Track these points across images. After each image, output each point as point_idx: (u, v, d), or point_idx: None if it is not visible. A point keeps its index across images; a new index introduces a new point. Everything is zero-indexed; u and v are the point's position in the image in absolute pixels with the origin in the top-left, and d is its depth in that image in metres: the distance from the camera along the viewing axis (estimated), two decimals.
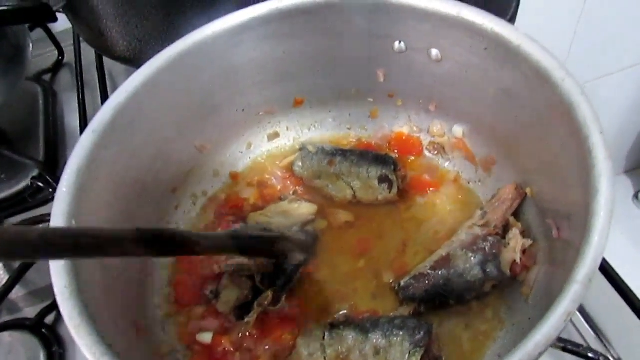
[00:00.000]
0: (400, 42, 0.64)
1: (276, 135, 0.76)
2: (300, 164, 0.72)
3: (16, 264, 0.76)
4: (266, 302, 0.60)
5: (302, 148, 0.73)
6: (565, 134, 0.49)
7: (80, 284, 0.47)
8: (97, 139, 0.55)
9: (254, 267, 0.62)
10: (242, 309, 0.61)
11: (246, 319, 0.60)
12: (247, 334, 0.60)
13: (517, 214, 0.63)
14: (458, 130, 0.70)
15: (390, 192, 0.68)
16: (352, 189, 0.69)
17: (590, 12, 1.52)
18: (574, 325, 0.67)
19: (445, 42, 0.60)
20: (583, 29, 1.57)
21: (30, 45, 0.91)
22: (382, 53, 0.66)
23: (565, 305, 0.38)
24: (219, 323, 0.61)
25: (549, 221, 0.56)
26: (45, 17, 0.76)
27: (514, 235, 0.61)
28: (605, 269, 0.64)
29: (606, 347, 0.65)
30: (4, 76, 0.85)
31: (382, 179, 0.68)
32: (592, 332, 0.66)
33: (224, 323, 0.61)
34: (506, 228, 0.63)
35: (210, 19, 0.63)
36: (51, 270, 0.46)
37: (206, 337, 0.59)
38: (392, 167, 0.69)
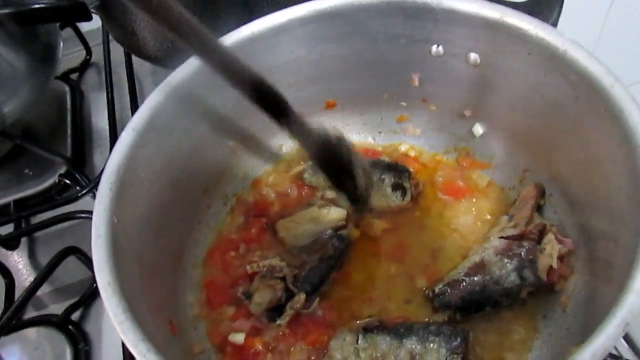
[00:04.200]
0: (438, 45, 0.64)
1: None
2: (311, 171, 0.72)
3: (44, 262, 0.76)
4: (298, 305, 0.60)
5: None
6: (612, 142, 0.49)
7: (120, 281, 0.47)
8: (136, 138, 0.56)
9: (286, 268, 0.62)
10: (274, 311, 0.60)
11: (278, 322, 0.60)
12: (280, 335, 0.59)
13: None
14: (493, 136, 0.69)
15: (403, 199, 0.68)
16: None
17: (613, 24, 1.52)
18: None
19: (485, 46, 0.60)
20: (606, 39, 1.56)
21: (61, 44, 0.92)
22: (419, 57, 0.66)
23: (622, 315, 0.37)
24: (250, 324, 0.61)
25: (590, 230, 0.55)
26: (81, 16, 0.76)
27: (549, 240, 0.60)
28: None
29: None
30: (35, 75, 0.85)
31: (396, 187, 0.69)
32: (625, 344, 0.65)
33: (256, 324, 0.61)
34: (542, 233, 0.62)
35: (242, 22, 0.63)
36: (94, 266, 0.46)
37: (239, 338, 0.59)
38: (407, 174, 0.69)
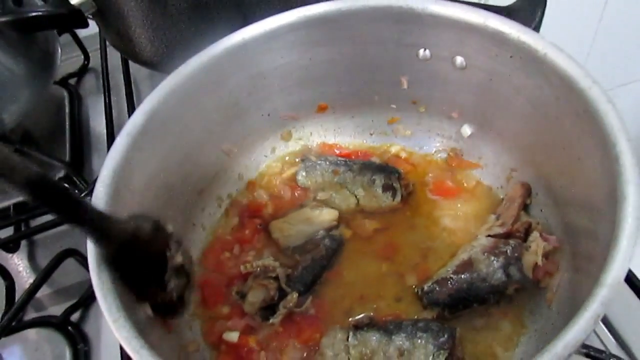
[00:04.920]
0: (425, 49, 0.65)
1: (299, 139, 0.78)
2: (304, 173, 0.73)
3: (43, 264, 0.78)
4: (291, 304, 0.61)
5: (304, 159, 0.74)
6: (591, 142, 0.50)
7: (116, 280, 0.48)
8: (130, 142, 0.57)
9: (279, 268, 0.63)
10: (267, 310, 0.62)
11: (271, 320, 0.61)
12: (273, 333, 0.61)
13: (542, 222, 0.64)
14: (480, 137, 0.70)
15: (393, 200, 0.70)
16: (356, 197, 0.71)
17: (608, 24, 1.53)
18: (595, 332, 0.67)
19: (470, 50, 0.61)
20: (600, 40, 1.57)
21: (59, 50, 0.93)
22: (407, 60, 0.67)
23: (594, 308, 0.39)
24: (244, 323, 0.62)
25: (573, 227, 0.56)
26: (77, 22, 0.78)
27: (535, 238, 0.62)
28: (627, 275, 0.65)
29: (628, 354, 0.65)
30: (34, 80, 0.87)
31: (386, 188, 0.70)
32: (612, 339, 0.67)
33: (250, 323, 0.62)
34: (527, 231, 0.64)
35: (235, 27, 0.65)
36: (89, 266, 0.48)
37: (233, 336, 0.61)
38: (397, 175, 0.71)
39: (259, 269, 0.63)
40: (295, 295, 0.62)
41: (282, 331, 0.61)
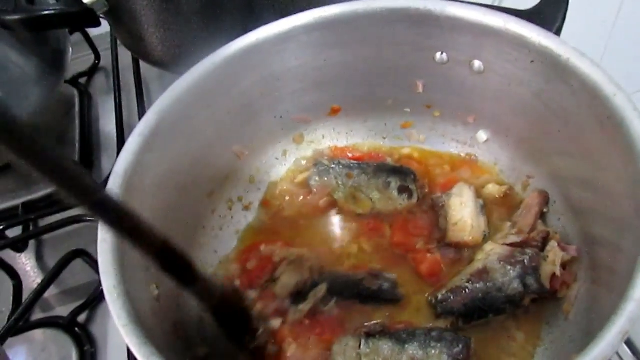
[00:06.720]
0: (442, 53, 0.64)
1: (311, 142, 0.77)
2: (317, 178, 0.72)
3: (51, 264, 0.77)
4: (321, 294, 0.60)
5: (317, 163, 0.73)
6: (614, 150, 0.49)
7: (126, 284, 0.47)
8: (142, 143, 0.56)
9: (314, 259, 0.62)
10: (298, 297, 0.61)
11: (300, 307, 0.60)
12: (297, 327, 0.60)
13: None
14: (496, 142, 0.69)
15: (410, 201, 0.69)
16: (372, 200, 0.70)
17: (622, 30, 1.51)
18: None
19: (489, 54, 0.60)
20: (614, 46, 1.56)
21: (70, 49, 0.93)
22: (423, 64, 0.66)
23: (621, 324, 0.37)
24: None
25: (593, 237, 0.55)
26: (89, 21, 0.78)
27: (552, 248, 0.60)
28: None
29: None
30: (45, 79, 0.87)
31: (402, 190, 0.69)
32: (629, 351, 0.65)
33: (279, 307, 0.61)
34: (545, 240, 0.62)
35: (247, 28, 0.64)
36: (100, 269, 0.47)
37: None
38: (412, 176, 0.70)
39: (294, 257, 0.62)
40: (324, 286, 0.61)
41: (293, 336, 0.60)
